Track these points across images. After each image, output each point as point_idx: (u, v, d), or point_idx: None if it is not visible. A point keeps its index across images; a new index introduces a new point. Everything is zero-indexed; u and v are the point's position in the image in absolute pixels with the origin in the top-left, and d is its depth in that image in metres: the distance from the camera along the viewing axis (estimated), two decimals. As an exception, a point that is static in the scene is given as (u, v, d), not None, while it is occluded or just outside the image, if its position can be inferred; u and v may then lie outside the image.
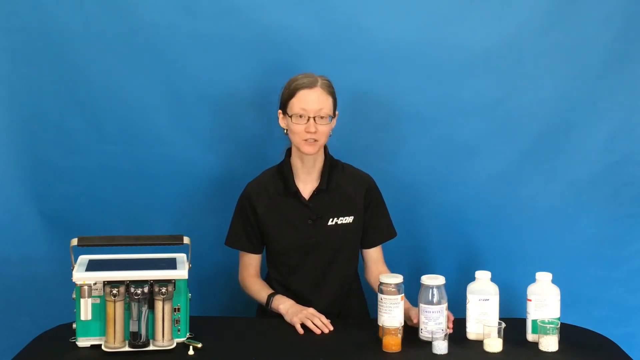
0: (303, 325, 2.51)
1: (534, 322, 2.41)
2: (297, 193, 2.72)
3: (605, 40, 3.00)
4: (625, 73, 3.03)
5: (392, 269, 2.78)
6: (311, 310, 2.58)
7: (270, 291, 2.72)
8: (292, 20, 2.99)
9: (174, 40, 2.99)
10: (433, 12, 3.01)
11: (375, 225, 2.78)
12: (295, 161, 2.73)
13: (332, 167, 2.74)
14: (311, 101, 2.61)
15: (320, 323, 2.51)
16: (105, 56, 2.98)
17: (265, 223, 2.73)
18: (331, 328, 2.51)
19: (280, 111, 2.71)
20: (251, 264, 2.80)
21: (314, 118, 2.61)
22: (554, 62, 3.02)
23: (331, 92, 2.67)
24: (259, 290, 2.74)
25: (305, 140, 2.63)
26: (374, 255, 2.80)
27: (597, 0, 2.98)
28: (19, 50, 2.97)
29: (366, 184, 2.77)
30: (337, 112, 2.71)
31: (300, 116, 2.61)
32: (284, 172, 2.74)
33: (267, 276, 2.83)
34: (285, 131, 2.71)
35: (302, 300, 2.67)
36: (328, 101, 2.65)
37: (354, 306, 2.83)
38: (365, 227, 2.77)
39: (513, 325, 2.43)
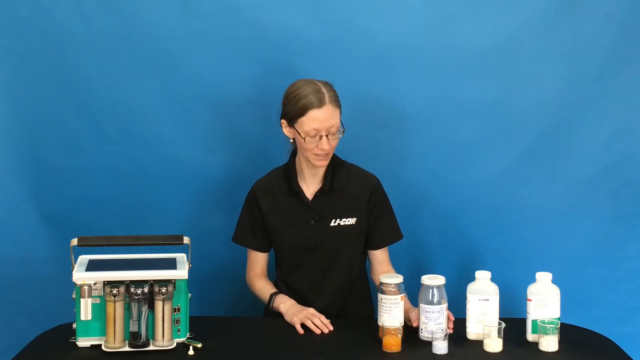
0: (303, 325, 2.52)
1: (534, 322, 2.41)
2: (299, 193, 2.72)
3: (605, 41, 3.00)
4: (625, 73, 3.03)
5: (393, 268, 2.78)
6: (311, 310, 2.58)
7: (273, 290, 2.73)
8: (292, 21, 2.99)
9: (174, 41, 2.99)
10: (433, 12, 3.01)
11: (381, 227, 2.78)
12: (301, 163, 2.74)
13: (336, 168, 2.74)
14: (323, 120, 2.58)
15: (320, 323, 2.51)
16: (105, 56, 2.98)
17: (269, 222, 2.74)
18: (331, 328, 2.51)
19: (284, 121, 2.68)
20: (258, 262, 2.81)
21: (327, 135, 2.60)
22: (554, 62, 3.02)
23: (338, 103, 2.64)
24: (263, 289, 2.76)
25: (317, 155, 2.62)
26: (379, 257, 2.80)
27: (597, 0, 2.98)
28: (19, 50, 2.97)
29: (371, 185, 2.76)
30: None
31: (312, 136, 2.60)
32: (288, 172, 2.74)
33: (275, 275, 2.84)
34: (291, 140, 2.70)
35: (303, 299, 2.68)
36: (337, 114, 2.62)
37: (358, 307, 2.83)
38: (371, 229, 2.77)
39: (513, 325, 2.43)
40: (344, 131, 2.64)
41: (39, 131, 3.03)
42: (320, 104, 2.57)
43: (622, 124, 3.07)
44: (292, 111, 2.61)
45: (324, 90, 2.60)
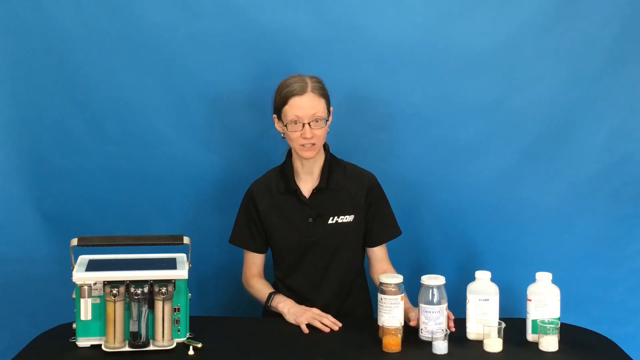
0: (308, 325, 2.52)
1: (534, 322, 2.41)
2: (297, 191, 2.72)
3: (604, 41, 3.00)
4: (624, 73, 3.03)
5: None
6: (316, 310, 2.59)
7: (271, 290, 2.73)
8: (292, 21, 2.99)
9: (173, 40, 2.99)
10: (433, 12, 3.01)
11: (379, 223, 2.78)
12: (296, 162, 2.75)
13: (332, 166, 2.75)
14: (304, 107, 2.61)
15: (329, 322, 2.52)
16: (105, 56, 2.98)
17: (267, 221, 2.74)
18: (340, 324, 2.52)
19: (275, 116, 2.71)
20: (254, 263, 2.81)
21: (309, 123, 2.61)
22: (554, 62, 3.02)
23: (323, 93, 2.66)
24: (260, 289, 2.75)
25: (303, 145, 2.63)
26: (378, 254, 2.80)
27: (596, 1, 2.98)
28: (19, 50, 2.97)
29: (368, 183, 2.77)
30: (331, 108, 2.70)
31: (295, 123, 2.61)
32: (285, 171, 2.75)
33: (274, 277, 2.84)
34: (282, 135, 2.71)
35: (301, 298, 2.69)
36: (321, 104, 2.64)
37: (357, 306, 2.83)
38: (369, 226, 2.77)
39: (513, 325, 2.43)
40: (328, 120, 2.65)
41: (39, 131, 3.03)
42: (302, 91, 2.61)
43: (622, 124, 3.07)
44: (277, 102, 2.66)
45: (309, 80, 2.64)
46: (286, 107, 2.62)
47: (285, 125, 2.63)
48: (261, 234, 2.77)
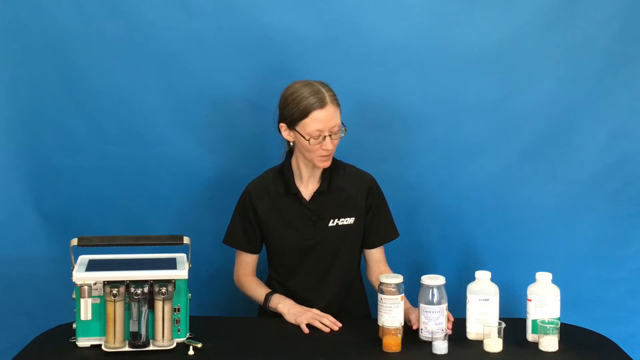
0: (308, 325, 2.52)
1: (534, 322, 2.41)
2: (297, 194, 2.71)
3: (604, 41, 3.00)
4: (625, 73, 3.03)
5: (392, 269, 2.78)
6: (316, 310, 2.59)
7: (268, 290, 2.72)
8: (292, 21, 2.99)
9: (173, 40, 2.99)
10: (433, 12, 3.01)
11: (378, 225, 2.77)
12: (298, 164, 2.72)
13: (333, 168, 2.73)
14: (326, 120, 2.56)
15: (329, 322, 2.52)
16: (105, 56, 2.99)
17: (265, 223, 2.73)
18: (340, 325, 2.52)
19: (284, 124, 2.65)
20: (248, 262, 2.80)
21: (330, 135, 2.59)
22: (554, 62, 3.02)
23: (338, 102, 2.62)
24: (256, 288, 2.75)
25: (322, 156, 2.62)
26: (375, 255, 2.80)
27: (596, 1, 2.98)
28: (19, 50, 2.97)
29: (368, 185, 2.76)
30: None
31: (317, 137, 2.58)
32: (284, 173, 2.73)
33: (268, 277, 2.83)
34: (291, 143, 2.68)
35: (301, 300, 2.68)
36: (338, 114, 2.61)
37: (355, 306, 2.83)
38: (367, 228, 2.76)
39: (513, 325, 2.43)
40: (346, 129, 2.64)
41: (39, 131, 3.03)
42: (322, 104, 2.57)
43: (622, 124, 3.07)
44: (294, 114, 2.59)
45: (323, 90, 2.59)
46: (306, 121, 2.57)
47: (308, 140, 2.58)
48: (257, 235, 2.76)
